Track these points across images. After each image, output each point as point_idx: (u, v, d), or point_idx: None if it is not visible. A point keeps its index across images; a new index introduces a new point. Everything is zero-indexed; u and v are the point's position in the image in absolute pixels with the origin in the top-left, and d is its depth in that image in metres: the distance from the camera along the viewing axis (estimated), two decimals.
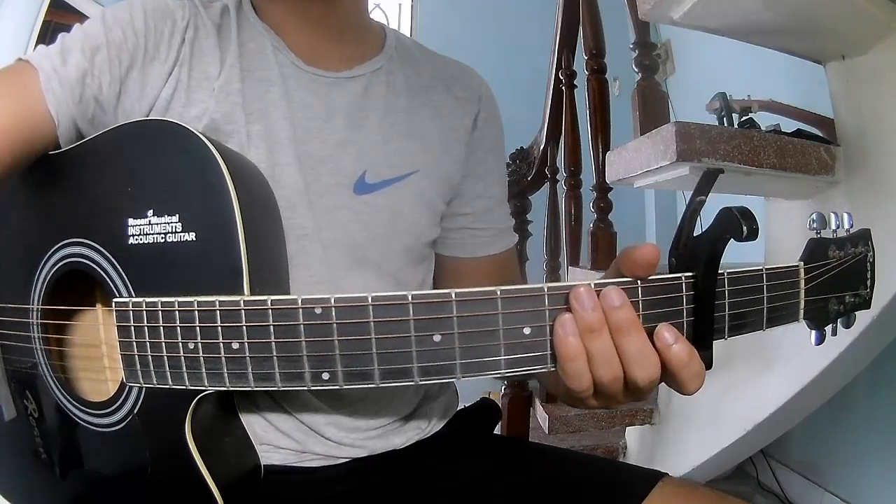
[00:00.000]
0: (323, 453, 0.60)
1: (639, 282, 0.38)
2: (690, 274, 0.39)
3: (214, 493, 0.47)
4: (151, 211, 0.45)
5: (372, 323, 0.37)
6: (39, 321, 0.54)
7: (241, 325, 0.40)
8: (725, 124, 1.27)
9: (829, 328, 0.45)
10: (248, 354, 0.40)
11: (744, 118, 1.28)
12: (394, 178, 0.61)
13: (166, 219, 0.45)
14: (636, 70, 1.38)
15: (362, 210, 0.59)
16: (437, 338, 0.37)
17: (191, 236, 0.44)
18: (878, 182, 1.01)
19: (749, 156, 1.00)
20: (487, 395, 0.84)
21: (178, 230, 0.45)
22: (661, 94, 1.38)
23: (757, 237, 0.37)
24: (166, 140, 0.47)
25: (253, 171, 0.51)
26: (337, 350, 0.38)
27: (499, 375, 0.38)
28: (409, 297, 0.37)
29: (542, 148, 1.79)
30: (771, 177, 1.04)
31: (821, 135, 1.17)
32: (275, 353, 0.39)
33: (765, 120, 1.27)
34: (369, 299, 0.37)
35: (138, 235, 0.46)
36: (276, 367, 0.40)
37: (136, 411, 0.48)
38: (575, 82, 1.69)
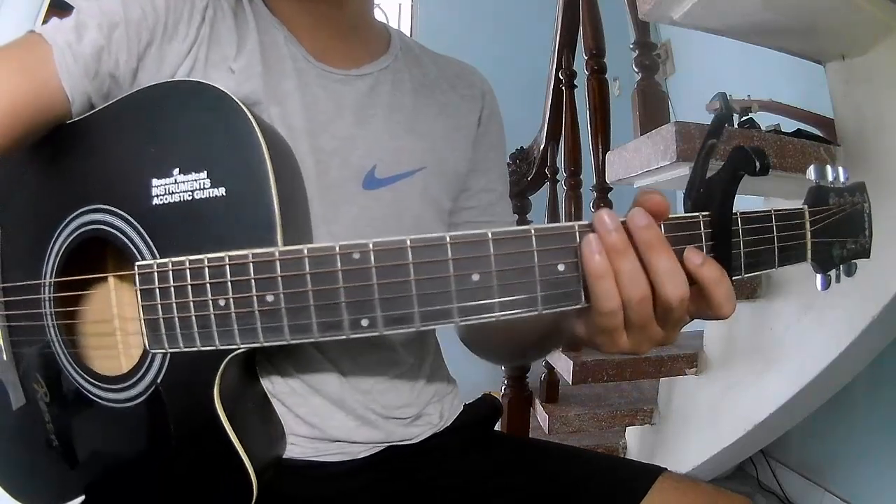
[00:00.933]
0: (341, 438, 0.59)
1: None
2: (707, 213, 0.40)
3: (245, 460, 0.46)
4: (177, 169, 0.44)
5: (411, 265, 0.38)
6: (52, 295, 0.52)
7: (276, 277, 0.39)
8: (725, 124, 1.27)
9: (832, 274, 0.46)
10: (283, 306, 0.39)
11: (744, 118, 1.28)
12: (402, 174, 0.61)
13: (193, 175, 0.44)
14: (636, 70, 1.38)
15: (369, 205, 0.59)
16: (475, 277, 0.38)
17: (220, 191, 0.44)
18: (878, 182, 1.01)
19: None
20: (488, 394, 0.84)
21: (206, 186, 0.44)
22: (661, 94, 1.38)
23: (769, 173, 0.38)
24: (190, 98, 0.46)
25: (276, 131, 0.50)
26: (376, 294, 0.38)
27: (535, 313, 0.39)
28: (448, 238, 0.38)
29: (542, 148, 1.79)
30: (771, 177, 1.04)
31: (821, 135, 1.17)
32: (312, 303, 0.39)
33: (765, 120, 1.27)
34: (408, 242, 0.38)
35: (163, 195, 0.45)
36: (314, 317, 0.39)
37: (158, 381, 0.47)
38: (575, 82, 1.69)
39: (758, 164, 0.38)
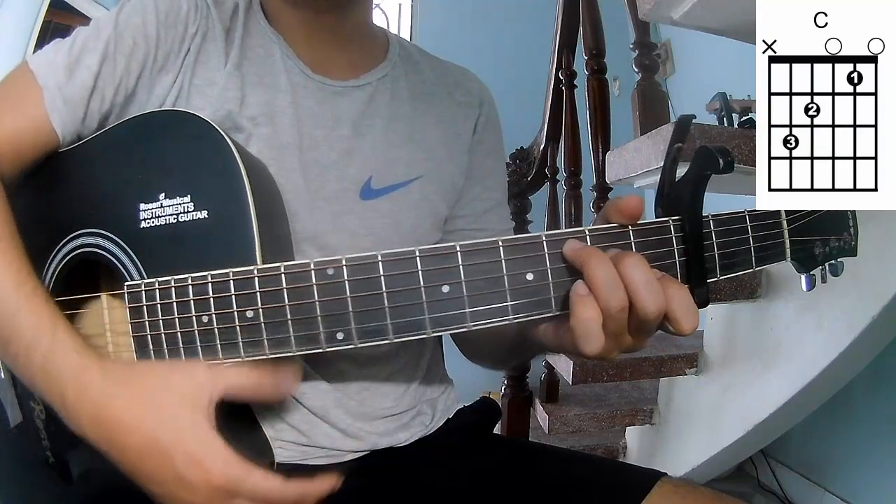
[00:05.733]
0: (328, 446, 0.59)
1: (629, 227, 0.41)
2: (677, 217, 0.41)
3: None
4: (163, 194, 0.46)
5: (382, 278, 0.40)
6: None
7: (255, 293, 0.41)
8: (725, 124, 1.27)
9: (817, 273, 0.47)
10: (262, 321, 0.41)
11: (744, 118, 1.28)
12: (398, 184, 0.62)
13: (178, 200, 0.46)
14: (636, 70, 1.38)
15: (368, 215, 0.60)
16: (445, 288, 0.39)
17: (203, 214, 0.46)
18: None
19: (749, 156, 1.00)
20: (487, 395, 0.84)
21: (190, 209, 0.46)
22: (661, 94, 1.38)
23: (733, 170, 0.39)
24: (175, 127, 0.49)
25: (256, 159, 0.52)
26: (350, 308, 0.40)
27: (507, 322, 0.40)
28: (417, 252, 0.39)
29: (542, 148, 1.79)
30: None
31: None
32: (289, 317, 0.41)
33: None
34: (378, 257, 0.40)
35: (150, 219, 0.47)
36: (291, 331, 0.41)
37: None
38: (575, 82, 1.68)
39: (721, 161, 0.38)
